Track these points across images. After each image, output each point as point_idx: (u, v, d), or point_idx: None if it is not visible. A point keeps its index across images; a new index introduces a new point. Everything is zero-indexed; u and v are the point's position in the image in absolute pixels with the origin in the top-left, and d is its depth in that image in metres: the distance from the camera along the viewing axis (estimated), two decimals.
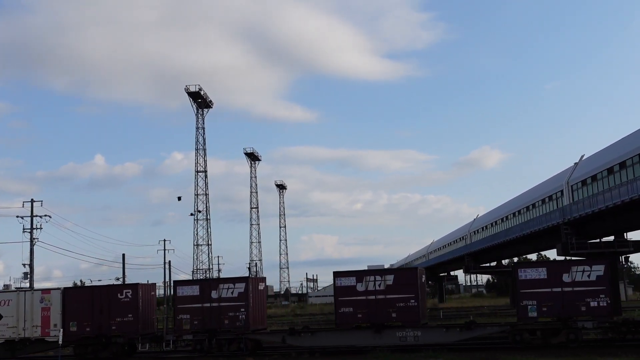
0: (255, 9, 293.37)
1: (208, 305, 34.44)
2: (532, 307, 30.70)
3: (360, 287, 33.20)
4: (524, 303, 30.98)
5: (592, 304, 30.21)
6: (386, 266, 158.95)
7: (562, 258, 48.38)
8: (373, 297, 32.86)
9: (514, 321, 32.19)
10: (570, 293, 30.36)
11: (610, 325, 30.55)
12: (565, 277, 30.73)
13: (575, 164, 59.40)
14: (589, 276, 30.67)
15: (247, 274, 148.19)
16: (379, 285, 32.94)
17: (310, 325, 42.11)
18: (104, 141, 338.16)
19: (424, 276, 35.21)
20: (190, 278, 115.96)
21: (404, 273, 35.01)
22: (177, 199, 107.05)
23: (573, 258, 30.10)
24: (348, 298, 33.23)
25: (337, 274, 33.97)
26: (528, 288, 31.02)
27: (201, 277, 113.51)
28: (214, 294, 34.51)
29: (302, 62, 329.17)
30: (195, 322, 34.48)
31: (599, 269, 30.82)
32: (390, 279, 33.12)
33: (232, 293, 34.37)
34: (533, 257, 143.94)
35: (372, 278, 33.25)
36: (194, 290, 34.97)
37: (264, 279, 38.55)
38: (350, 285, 33.39)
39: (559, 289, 30.50)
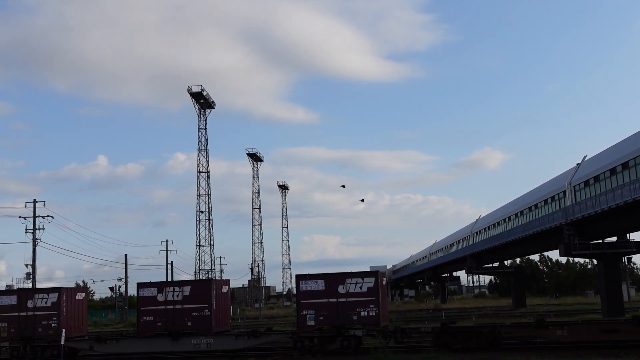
0: (257, 10, 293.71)
1: (24, 314, 36.26)
2: (311, 316, 32.63)
3: (160, 298, 35.08)
4: (303, 312, 32.91)
5: (362, 313, 31.94)
6: (388, 267, 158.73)
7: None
8: (171, 306, 34.73)
9: (295, 329, 34.33)
10: (344, 303, 32.20)
11: (378, 332, 32.32)
12: (341, 289, 32.49)
13: (577, 164, 59.35)
14: (361, 288, 32.28)
15: (249, 275, 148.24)
16: (177, 296, 34.86)
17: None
18: (107, 142, 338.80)
19: (226, 287, 37.06)
20: (193, 278, 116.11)
21: (199, 285, 36.40)
22: (341, 187, 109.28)
23: (350, 271, 32.17)
24: (149, 308, 35.05)
25: (140, 285, 35.85)
26: (307, 298, 32.88)
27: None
28: (29, 304, 36.31)
29: (304, 63, 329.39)
30: (12, 330, 36.19)
31: (369, 281, 32.34)
32: (187, 290, 35.03)
33: (46, 302, 36.23)
34: (536, 257, 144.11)
35: (171, 289, 35.28)
36: (12, 300, 36.78)
37: (84, 289, 39.80)
38: (151, 295, 35.21)
39: (335, 300, 32.37)
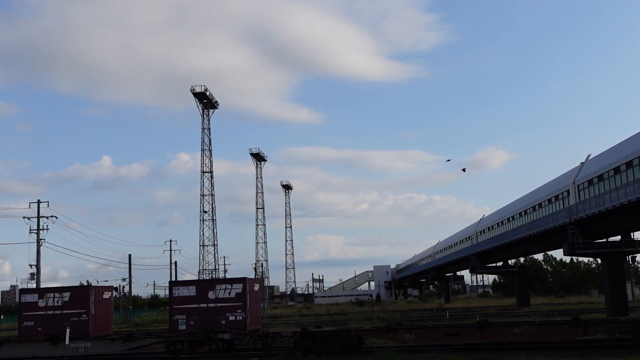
0: (261, 11, 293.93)
1: None
2: (182, 321, 33.89)
3: (41, 303, 36.16)
4: (175, 317, 34.12)
5: (230, 317, 33.33)
6: (392, 266, 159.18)
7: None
8: (52, 312, 35.89)
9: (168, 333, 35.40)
10: (213, 308, 33.56)
11: (245, 335, 33.66)
12: (211, 295, 33.82)
13: (581, 163, 59.23)
14: (229, 294, 33.68)
15: (253, 275, 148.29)
16: (57, 302, 35.98)
17: (321, 324, 42.03)
18: (111, 142, 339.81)
19: (108, 293, 38.15)
20: (196, 278, 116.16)
21: (78, 291, 37.50)
22: (462, 170, 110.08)
23: (221, 278, 33.24)
24: (31, 313, 36.13)
25: (22, 292, 37.11)
26: (180, 304, 34.15)
27: (207, 277, 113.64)
28: None
29: (308, 64, 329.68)
30: None
31: (237, 288, 33.71)
32: (67, 296, 36.19)
33: None
34: (540, 257, 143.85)
35: (51, 295, 36.30)
36: None
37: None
38: (33, 301, 36.27)
39: (205, 305, 33.71)
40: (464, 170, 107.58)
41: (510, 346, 29.99)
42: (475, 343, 30.99)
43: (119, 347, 35.11)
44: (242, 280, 34.21)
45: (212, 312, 33.52)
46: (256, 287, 35.89)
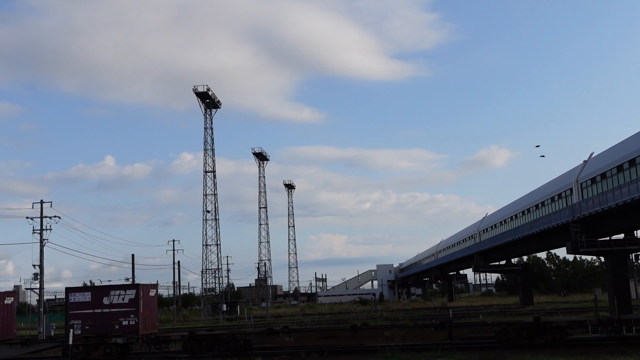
0: (264, 10, 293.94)
1: None
2: (78, 326, 34.83)
3: None
4: (71, 322, 35.05)
5: (124, 322, 34.50)
6: (395, 265, 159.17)
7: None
8: None
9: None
10: (108, 314, 34.75)
11: (138, 339, 34.71)
12: (105, 300, 34.98)
13: (584, 161, 59.16)
14: (123, 299, 34.77)
15: (256, 274, 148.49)
16: None
17: (319, 325, 42.07)
18: (114, 142, 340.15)
19: (10, 299, 38.40)
20: (199, 278, 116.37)
21: None
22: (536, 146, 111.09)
23: (116, 284, 34.61)
24: None
25: None
26: (76, 309, 35.16)
27: (210, 277, 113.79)
28: None
29: (310, 63, 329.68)
30: None
31: (131, 294, 34.91)
32: None
33: None
34: (543, 255, 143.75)
35: None
36: None
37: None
38: None
39: (100, 310, 34.86)
40: (538, 146, 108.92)
41: (516, 344, 29.98)
42: (350, 344, 32.48)
43: (17, 352, 35.95)
44: (135, 286, 35.68)
45: (107, 318, 34.68)
46: (152, 293, 37.00)
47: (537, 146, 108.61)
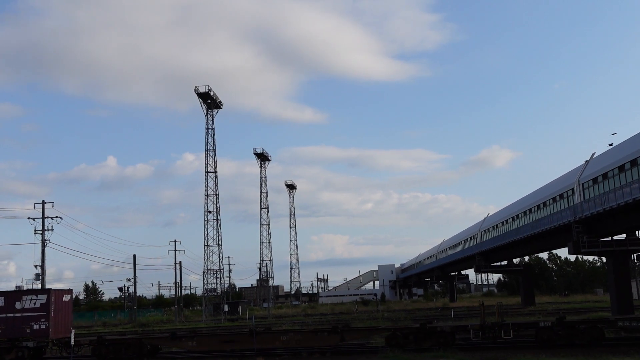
0: (265, 11, 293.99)
1: None
2: None
3: None
4: None
5: (34, 327, 35.14)
6: (396, 266, 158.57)
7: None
8: None
9: None
10: (20, 318, 35.31)
11: (49, 343, 35.36)
12: (18, 305, 35.52)
13: (586, 162, 59.12)
14: (35, 304, 35.42)
15: (257, 274, 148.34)
16: None
17: (320, 325, 42.20)
18: (116, 143, 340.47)
19: (66, 296, 38.28)
20: (201, 279, 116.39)
21: None
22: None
23: (29, 289, 35.18)
24: None
25: None
26: None
27: (212, 277, 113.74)
28: None
29: (312, 64, 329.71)
30: None
31: (42, 298, 35.50)
32: None
33: None
34: (544, 255, 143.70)
35: None
36: None
37: None
38: None
39: (12, 315, 35.37)
40: (614, 134, 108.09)
41: (517, 345, 29.94)
42: (250, 348, 33.56)
43: None
44: (46, 291, 36.52)
45: (19, 322, 35.25)
46: (66, 298, 37.56)
47: (614, 134, 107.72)
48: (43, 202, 65.89)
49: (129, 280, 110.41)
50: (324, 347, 32.89)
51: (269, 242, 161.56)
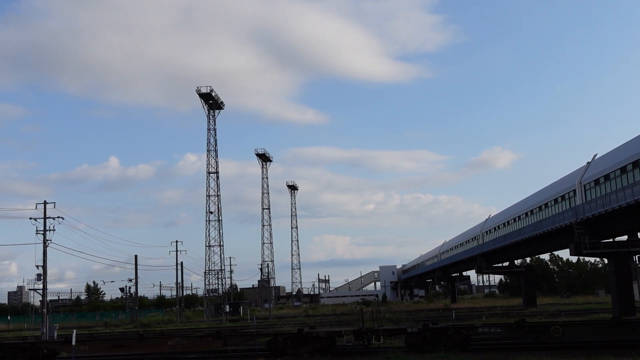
0: (268, 12, 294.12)
1: None
2: None
3: None
4: None
5: None
6: (398, 267, 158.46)
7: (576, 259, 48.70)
8: None
9: None
10: None
11: None
12: None
13: (587, 163, 59.06)
14: None
15: (259, 275, 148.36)
16: None
17: (320, 326, 42.23)
18: (118, 143, 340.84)
19: None
20: (202, 279, 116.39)
21: None
22: None
23: None
24: None
25: None
26: None
27: (213, 278, 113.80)
28: None
29: (314, 65, 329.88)
30: None
31: None
32: None
33: None
34: (546, 257, 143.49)
35: None
36: None
37: None
38: None
39: None
40: None
41: (518, 346, 29.93)
42: (138, 353, 33.85)
43: None
44: None
45: None
46: None
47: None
48: (45, 203, 65.96)
49: (130, 280, 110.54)
50: (207, 352, 33.72)
51: (271, 243, 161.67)
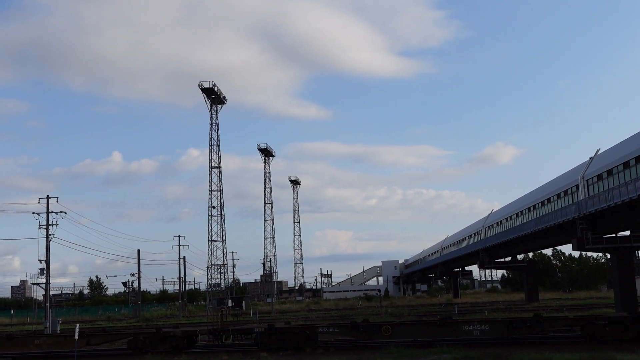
0: (271, 8, 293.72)
1: None
2: None
3: None
4: None
5: None
6: (400, 261, 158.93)
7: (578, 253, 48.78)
8: None
9: None
10: None
11: None
12: None
13: (590, 158, 58.98)
14: None
15: (261, 270, 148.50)
16: None
17: (323, 321, 42.20)
18: (121, 138, 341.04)
19: None
20: (205, 274, 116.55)
21: None
22: None
23: None
24: None
25: None
26: None
27: (216, 272, 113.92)
28: None
29: (318, 61, 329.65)
30: None
31: None
32: None
33: None
34: (548, 252, 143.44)
35: None
36: None
37: None
38: None
39: None
40: None
41: (520, 341, 29.90)
42: (8, 353, 33.71)
43: None
44: None
45: None
46: None
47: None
48: (47, 197, 66.00)
49: (133, 275, 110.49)
50: (72, 351, 33.77)
51: (273, 238, 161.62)
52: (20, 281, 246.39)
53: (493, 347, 28.90)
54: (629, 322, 28.62)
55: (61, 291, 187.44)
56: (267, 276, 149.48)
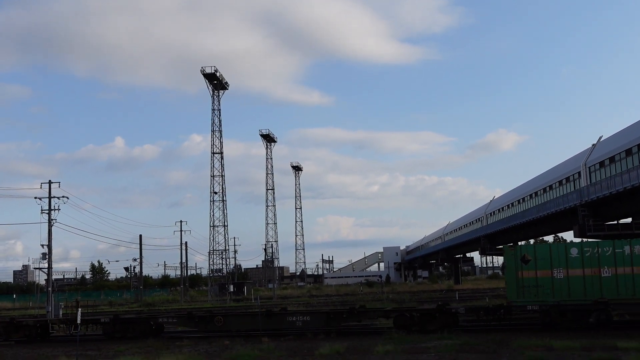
0: None
1: None
2: None
3: None
4: None
5: None
6: (402, 248, 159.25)
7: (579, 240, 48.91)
8: None
9: None
10: None
11: None
12: None
13: (593, 145, 58.88)
14: None
15: (263, 256, 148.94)
16: None
17: (324, 306, 42.27)
18: (124, 124, 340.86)
19: None
20: (207, 259, 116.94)
21: None
22: None
23: None
24: None
25: None
26: None
27: (217, 258, 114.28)
28: None
29: (320, 47, 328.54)
30: None
31: None
32: None
33: None
34: (550, 238, 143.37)
35: None
36: None
37: None
38: None
39: None
40: None
41: (522, 327, 29.99)
42: None
43: None
44: None
45: None
46: None
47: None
48: (50, 182, 66.03)
49: (135, 260, 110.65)
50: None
51: (275, 224, 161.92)
52: (23, 266, 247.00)
53: (494, 333, 29.01)
54: (436, 313, 30.81)
55: (63, 276, 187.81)
56: (268, 262, 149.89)
